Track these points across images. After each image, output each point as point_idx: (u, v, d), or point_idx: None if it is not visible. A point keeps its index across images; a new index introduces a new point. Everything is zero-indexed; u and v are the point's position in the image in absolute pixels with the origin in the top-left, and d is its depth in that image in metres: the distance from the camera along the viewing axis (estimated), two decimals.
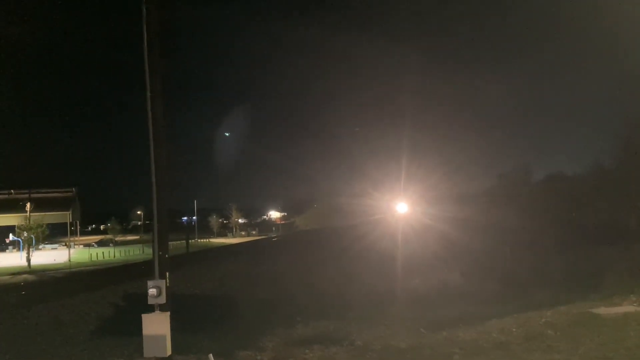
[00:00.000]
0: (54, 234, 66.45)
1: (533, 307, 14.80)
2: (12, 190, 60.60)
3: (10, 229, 60.86)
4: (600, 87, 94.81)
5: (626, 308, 12.55)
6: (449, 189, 43.16)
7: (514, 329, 11.75)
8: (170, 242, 8.52)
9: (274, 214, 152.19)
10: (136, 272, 28.96)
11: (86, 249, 71.68)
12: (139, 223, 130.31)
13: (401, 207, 33.00)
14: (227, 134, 74.26)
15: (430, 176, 39.29)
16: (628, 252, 23.27)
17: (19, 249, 58.63)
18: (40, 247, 63.28)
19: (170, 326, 7.74)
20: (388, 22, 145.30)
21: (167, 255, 8.07)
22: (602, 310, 12.44)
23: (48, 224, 56.43)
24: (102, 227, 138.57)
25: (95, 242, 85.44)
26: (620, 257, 22.45)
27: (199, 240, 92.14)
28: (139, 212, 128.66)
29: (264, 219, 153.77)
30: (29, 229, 51.91)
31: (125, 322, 14.79)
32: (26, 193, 55.52)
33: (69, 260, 49.93)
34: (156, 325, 7.67)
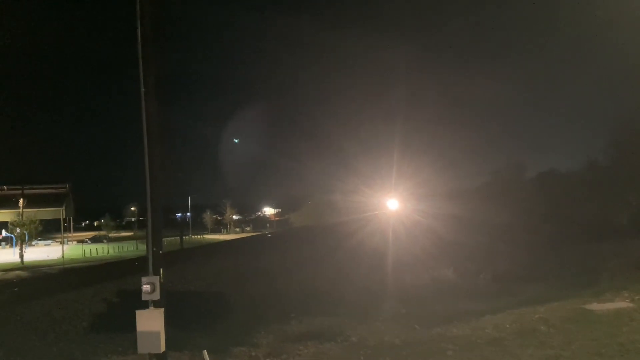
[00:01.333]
0: (47, 230, 66.26)
1: (526, 303, 14.88)
2: (4, 186, 60.27)
3: (3, 225, 60.63)
4: (593, 84, 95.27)
5: (619, 304, 12.62)
6: (441, 186, 43.35)
7: (508, 325, 11.80)
8: (164, 239, 8.51)
9: (268, 211, 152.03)
10: (130, 268, 28.84)
11: (80, 245, 71.46)
12: (133, 219, 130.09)
13: (393, 203, 33.11)
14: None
15: (422, 173, 39.42)
16: (620, 248, 23.41)
17: (12, 245, 58.37)
18: (34, 243, 63.07)
19: (165, 322, 7.73)
20: (380, 18, 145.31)
21: (161, 252, 8.06)
22: (595, 306, 12.52)
23: (41, 220, 56.25)
24: (95, 223, 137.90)
25: (89, 238, 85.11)
26: (613, 253, 22.57)
27: (193, 237, 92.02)
28: (132, 208, 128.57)
29: (258, 216, 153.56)
30: (22, 225, 51.72)
31: (119, 319, 14.74)
32: (19, 189, 55.20)
33: (63, 257, 49.74)
34: (150, 322, 7.66)
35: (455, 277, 23.93)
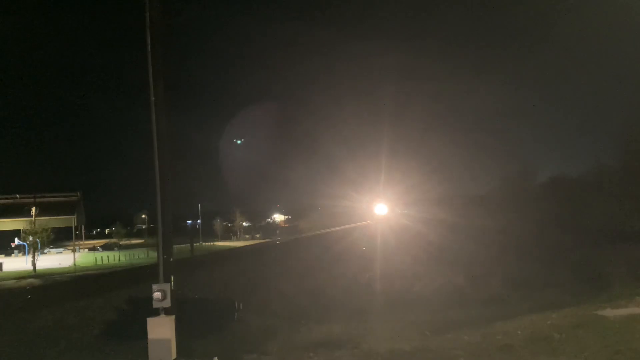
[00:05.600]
0: (59, 238, 66.68)
1: (538, 310, 14.76)
2: (17, 195, 60.84)
3: (16, 233, 61.13)
4: (601, 87, 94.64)
5: (632, 310, 12.49)
6: (453, 192, 43.26)
7: (519, 332, 11.72)
8: (174, 246, 8.55)
9: (278, 217, 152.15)
10: (141, 275, 28.95)
11: (91, 253, 71.90)
12: (144, 227, 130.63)
13: (385, 209, 33.30)
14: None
15: (435, 179, 39.38)
16: (633, 253, 23.17)
17: (24, 253, 58.86)
18: (46, 251, 63.53)
19: (175, 330, 7.76)
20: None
21: (171, 259, 8.10)
22: (608, 312, 12.39)
23: (53, 228, 56.63)
24: (107, 231, 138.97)
25: (100, 246, 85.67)
26: (625, 258, 22.35)
27: (204, 244, 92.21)
28: (143, 216, 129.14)
29: (268, 222, 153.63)
30: (34, 233, 52.12)
31: (130, 326, 14.79)
32: (31, 197, 55.71)
33: (74, 264, 50.05)
34: (161, 329, 7.68)
35: (465, 284, 23.78)
